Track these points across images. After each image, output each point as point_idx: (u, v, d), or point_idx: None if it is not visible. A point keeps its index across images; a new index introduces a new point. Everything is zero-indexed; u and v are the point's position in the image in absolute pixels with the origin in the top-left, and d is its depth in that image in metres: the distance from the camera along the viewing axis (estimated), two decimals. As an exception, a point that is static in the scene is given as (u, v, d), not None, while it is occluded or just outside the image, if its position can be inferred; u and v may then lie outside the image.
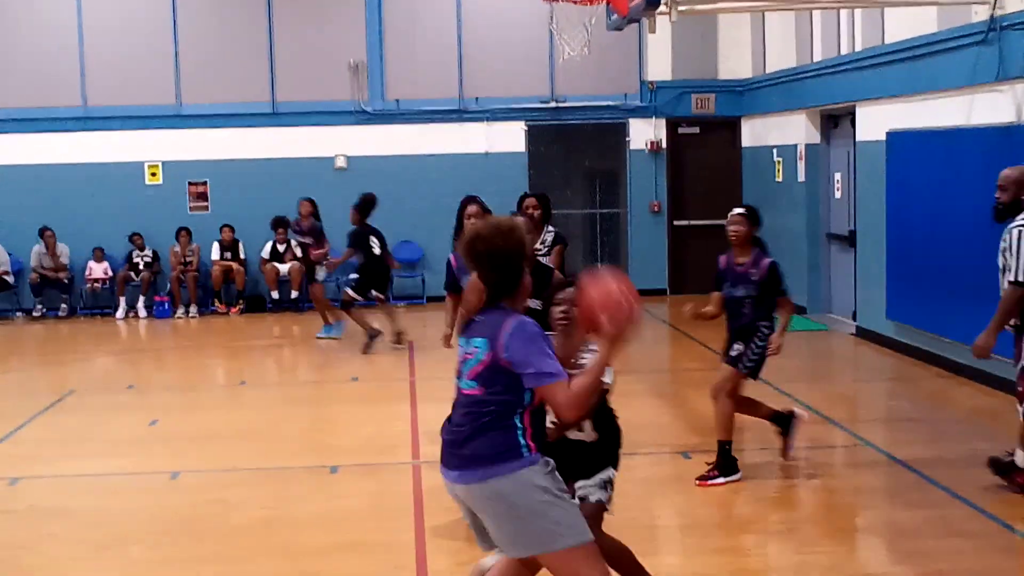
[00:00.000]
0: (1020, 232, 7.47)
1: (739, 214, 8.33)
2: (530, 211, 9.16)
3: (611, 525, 7.50)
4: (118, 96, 18.60)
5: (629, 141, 19.14)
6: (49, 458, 9.78)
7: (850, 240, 14.93)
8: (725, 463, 8.31)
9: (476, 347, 4.68)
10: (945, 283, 11.87)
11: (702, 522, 7.70)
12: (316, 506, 8.03)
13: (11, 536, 7.68)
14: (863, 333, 14.20)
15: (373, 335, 14.41)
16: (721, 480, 8.24)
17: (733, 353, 8.28)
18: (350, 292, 14.60)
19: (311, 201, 15.86)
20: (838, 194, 15.65)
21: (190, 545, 7.32)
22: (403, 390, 12.10)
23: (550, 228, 9.41)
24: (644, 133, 19.09)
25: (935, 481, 8.21)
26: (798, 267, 16.61)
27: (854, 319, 14.76)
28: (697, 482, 8.25)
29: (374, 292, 14.71)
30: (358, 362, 13.80)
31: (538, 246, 9.07)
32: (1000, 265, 7.68)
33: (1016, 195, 7.62)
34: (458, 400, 4.78)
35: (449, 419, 4.84)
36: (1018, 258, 7.44)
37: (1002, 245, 7.62)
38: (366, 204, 14.65)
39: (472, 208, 8.70)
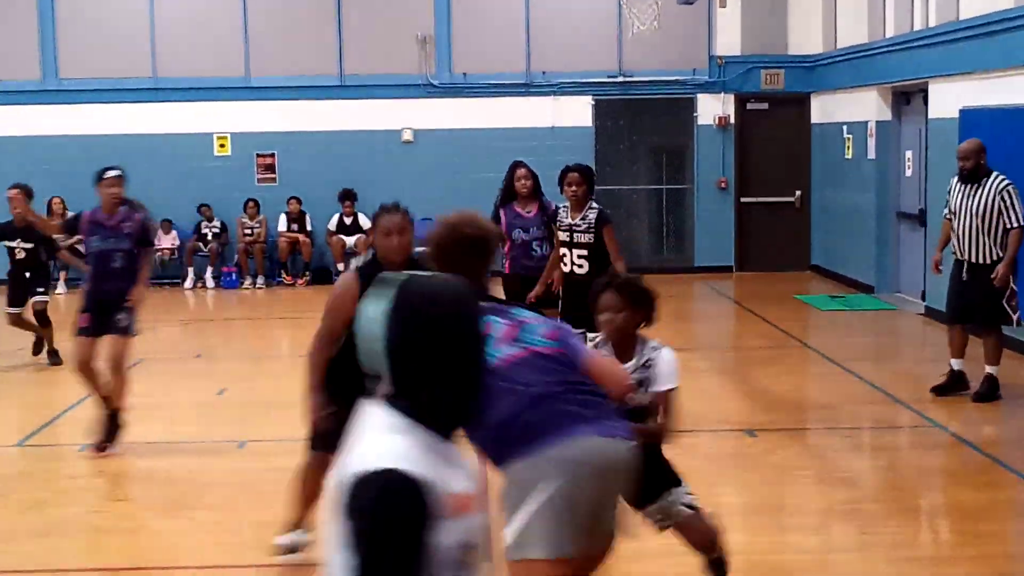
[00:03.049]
0: (1008, 189, 9.35)
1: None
2: (573, 187, 8.68)
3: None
4: (188, 68, 18.74)
5: (697, 116, 18.98)
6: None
7: (920, 219, 14.73)
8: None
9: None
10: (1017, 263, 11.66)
11: (765, 501, 7.67)
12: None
13: (83, 499, 7.82)
14: (932, 313, 14.01)
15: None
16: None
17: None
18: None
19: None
20: (909, 172, 15.45)
21: (255, 511, 7.42)
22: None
23: (593, 205, 8.76)
24: (712, 108, 18.92)
25: (1003, 462, 8.12)
26: (867, 245, 16.44)
27: (923, 299, 14.58)
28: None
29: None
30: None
31: (578, 222, 8.67)
32: (980, 216, 9.43)
33: (978, 161, 9.47)
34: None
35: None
36: (1019, 209, 9.31)
37: (989, 201, 9.38)
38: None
39: (522, 171, 9.00)
